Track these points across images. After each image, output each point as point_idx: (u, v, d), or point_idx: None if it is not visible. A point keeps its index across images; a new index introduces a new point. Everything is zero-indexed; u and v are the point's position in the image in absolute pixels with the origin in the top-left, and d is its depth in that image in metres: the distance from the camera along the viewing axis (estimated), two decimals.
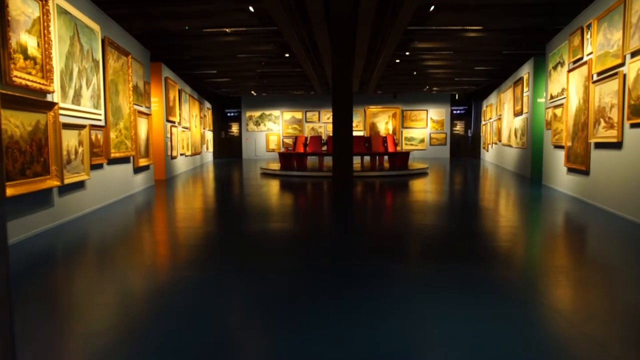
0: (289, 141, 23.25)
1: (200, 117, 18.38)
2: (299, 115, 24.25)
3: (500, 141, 16.05)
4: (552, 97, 9.37)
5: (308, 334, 2.39)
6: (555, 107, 8.99)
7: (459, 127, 24.49)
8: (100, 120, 7.00)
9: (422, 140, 24.04)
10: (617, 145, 6.08)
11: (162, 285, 3.30)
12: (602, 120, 6.49)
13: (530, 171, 11.48)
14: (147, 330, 2.48)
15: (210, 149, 21.66)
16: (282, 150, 21.46)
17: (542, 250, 4.44)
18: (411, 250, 4.52)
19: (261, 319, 2.66)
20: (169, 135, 12.70)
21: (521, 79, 12.54)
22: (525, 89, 12.12)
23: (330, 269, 3.66)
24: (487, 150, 19.36)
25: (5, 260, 1.04)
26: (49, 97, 5.29)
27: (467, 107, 24.10)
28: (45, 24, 5.08)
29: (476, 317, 2.59)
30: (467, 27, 11.51)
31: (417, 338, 2.35)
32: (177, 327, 2.49)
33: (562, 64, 8.69)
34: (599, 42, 6.65)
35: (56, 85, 5.41)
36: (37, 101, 4.93)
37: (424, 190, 9.62)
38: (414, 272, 3.60)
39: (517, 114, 13.10)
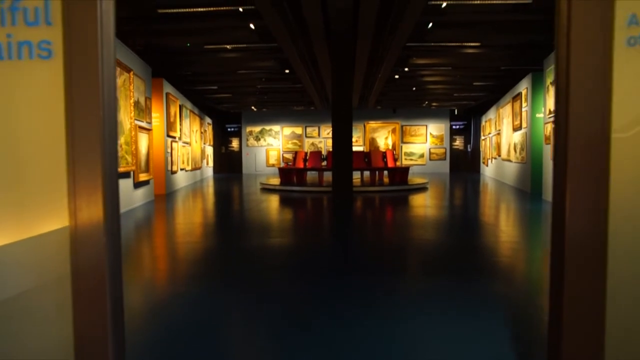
0: (289, 156, 23.34)
1: (201, 132, 18.50)
2: (298, 130, 24.38)
3: (499, 156, 16.09)
4: (550, 113, 9.42)
5: (307, 352, 2.39)
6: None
7: (459, 142, 24.56)
8: None
9: (422, 155, 24.09)
10: None
11: (160, 301, 3.31)
12: None
13: (530, 186, 11.49)
14: (143, 347, 2.48)
15: (211, 164, 21.75)
16: (282, 165, 21.53)
17: (543, 266, 4.43)
18: (412, 266, 4.52)
19: (259, 338, 2.65)
20: (169, 150, 12.78)
21: (520, 94, 12.62)
22: (523, 104, 12.20)
23: (330, 285, 3.66)
24: (487, 165, 19.40)
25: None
26: None
27: (467, 122, 24.21)
28: None
29: (474, 337, 2.59)
30: (465, 44, 11.63)
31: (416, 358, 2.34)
32: (169, 345, 2.49)
33: None
34: None
35: None
36: None
37: (424, 205, 9.63)
38: (415, 289, 3.59)
39: (516, 129, 13.15)
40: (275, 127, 24.42)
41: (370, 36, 9.91)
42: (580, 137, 1.33)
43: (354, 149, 12.30)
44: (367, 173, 15.69)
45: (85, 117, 1.30)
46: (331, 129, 11.00)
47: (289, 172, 14.72)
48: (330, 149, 11.89)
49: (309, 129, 24.15)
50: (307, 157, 14.97)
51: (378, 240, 5.91)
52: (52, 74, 1.35)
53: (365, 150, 20.85)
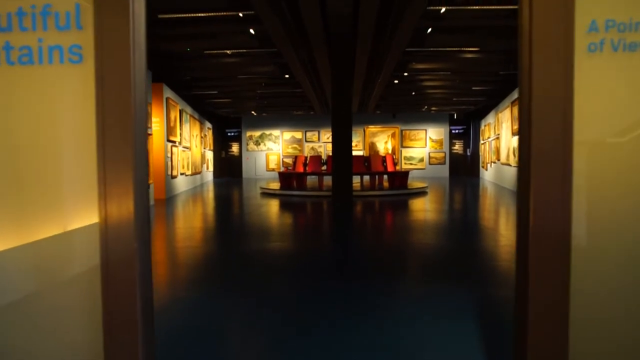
0: (289, 161, 23.36)
1: (201, 137, 18.53)
2: (298, 135, 24.42)
3: (499, 160, 16.15)
4: None
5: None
6: None
7: (458, 147, 24.63)
8: None
9: (422, 160, 24.15)
10: None
11: (160, 306, 3.33)
12: None
13: None
14: None
15: (211, 168, 21.76)
16: (282, 169, 21.55)
17: None
18: (411, 271, 4.55)
19: (259, 343, 2.67)
20: (169, 155, 12.80)
21: (518, 98, 12.68)
22: None
23: (329, 289, 3.69)
24: (486, 169, 19.46)
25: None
26: None
27: (466, 127, 24.28)
28: None
29: (472, 343, 2.62)
30: (464, 49, 11.71)
31: None
32: (170, 349, 2.52)
33: None
34: None
35: None
36: None
37: (424, 209, 9.67)
38: (415, 293, 3.62)
39: (515, 133, 13.23)
40: (275, 132, 24.45)
41: (370, 41, 9.98)
42: (543, 142, 1.36)
43: (354, 153, 12.35)
44: (367, 177, 15.73)
45: (117, 120, 1.33)
46: (331, 133, 11.05)
47: (289, 177, 14.75)
48: (330, 154, 11.94)
49: (308, 134, 24.19)
50: (307, 162, 15.01)
51: (378, 245, 5.94)
52: (83, 77, 1.38)
53: (365, 155, 20.88)
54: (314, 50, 10.69)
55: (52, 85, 1.41)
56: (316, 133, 23.97)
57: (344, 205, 10.20)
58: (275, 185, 14.89)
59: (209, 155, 21.36)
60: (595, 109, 1.39)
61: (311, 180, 16.31)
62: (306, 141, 24.23)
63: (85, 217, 1.41)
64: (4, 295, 1.44)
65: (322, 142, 23.92)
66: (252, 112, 23.07)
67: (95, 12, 1.34)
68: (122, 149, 1.34)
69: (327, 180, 14.45)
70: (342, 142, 10.71)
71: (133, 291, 1.34)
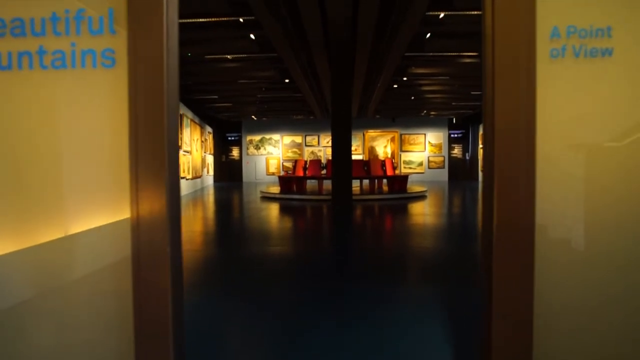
0: (289, 165, 23.39)
1: (201, 141, 18.56)
2: (298, 139, 24.46)
3: None
4: None
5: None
6: None
7: (457, 151, 24.70)
8: None
9: (421, 164, 24.21)
10: None
11: None
12: None
13: None
14: None
15: (211, 172, 21.78)
16: (282, 173, 21.58)
17: None
18: (410, 275, 4.57)
19: (258, 346, 2.68)
20: None
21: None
22: None
23: (329, 294, 3.70)
24: None
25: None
26: None
27: (465, 131, 24.37)
28: None
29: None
30: (463, 54, 11.80)
31: None
32: None
33: None
34: None
35: None
36: None
37: (423, 213, 9.71)
38: (414, 297, 3.64)
39: None
40: (275, 136, 24.50)
41: (369, 46, 10.05)
42: (507, 146, 1.38)
43: (354, 157, 12.40)
44: (366, 181, 15.79)
45: (150, 123, 1.35)
46: (331, 137, 11.10)
47: (289, 181, 14.79)
48: (330, 158, 11.99)
49: (308, 138, 24.23)
50: (307, 166, 15.05)
51: (377, 249, 5.96)
52: (115, 81, 1.40)
53: (364, 159, 20.94)
54: (313, 55, 10.75)
55: (85, 89, 1.44)
56: (316, 137, 24.01)
57: (344, 209, 10.24)
58: (275, 189, 14.93)
59: (210, 159, 21.38)
60: (557, 113, 1.41)
61: (311, 184, 16.35)
62: (306, 145, 24.27)
63: (118, 217, 1.44)
64: (40, 297, 1.48)
65: (321, 147, 23.97)
66: (253, 116, 23.11)
67: (128, 16, 1.37)
68: (155, 152, 1.36)
69: (327, 184, 14.49)
70: (341, 146, 10.76)
71: (165, 296, 1.37)
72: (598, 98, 1.43)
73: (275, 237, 6.91)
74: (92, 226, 1.46)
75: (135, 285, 1.38)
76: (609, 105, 1.43)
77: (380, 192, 14.00)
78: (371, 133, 24.07)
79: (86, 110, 1.47)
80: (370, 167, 14.86)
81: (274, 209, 10.66)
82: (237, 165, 25.08)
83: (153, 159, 1.37)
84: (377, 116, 23.24)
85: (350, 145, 10.85)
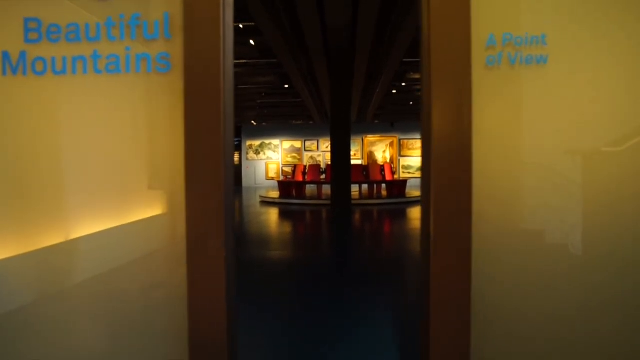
0: (288, 170, 23.36)
1: None
2: (298, 144, 24.45)
3: None
4: None
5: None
6: None
7: None
8: None
9: (419, 169, 24.23)
10: None
11: None
12: None
13: None
14: None
15: None
16: (282, 178, 21.55)
17: None
18: (409, 279, 4.57)
19: (259, 348, 2.69)
20: None
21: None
22: None
23: (328, 298, 3.71)
24: None
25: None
26: None
27: None
28: None
29: None
30: None
31: None
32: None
33: None
34: None
35: None
36: None
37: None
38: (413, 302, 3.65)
39: None
40: (275, 141, 24.47)
41: (368, 52, 10.10)
42: (444, 153, 1.39)
43: (353, 162, 12.43)
44: (365, 186, 15.82)
45: (206, 128, 1.34)
46: (330, 142, 11.12)
47: (289, 185, 14.78)
48: (329, 163, 12.02)
49: (307, 143, 24.23)
50: (306, 171, 15.06)
51: (377, 252, 5.96)
52: (170, 85, 1.40)
53: (363, 164, 20.97)
54: (313, 60, 10.79)
55: (139, 93, 1.44)
56: (315, 142, 24.01)
57: (343, 213, 10.25)
58: (275, 194, 14.91)
59: None
60: (494, 119, 1.43)
61: (310, 189, 16.36)
62: (305, 150, 24.26)
63: (175, 226, 1.44)
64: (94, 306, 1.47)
65: (321, 151, 23.97)
66: (252, 121, 23.09)
67: (185, 20, 1.36)
68: (212, 157, 1.36)
69: (326, 189, 14.49)
70: (340, 151, 10.78)
71: (220, 303, 1.36)
72: (534, 105, 1.45)
73: (275, 241, 6.91)
74: (149, 226, 1.47)
75: (190, 292, 1.38)
76: (544, 111, 1.45)
77: (380, 196, 14.03)
78: (370, 138, 24.11)
79: (140, 114, 1.47)
80: (369, 171, 14.89)
81: (273, 214, 10.66)
82: (237, 170, 24.98)
83: (209, 164, 1.36)
84: (376, 121, 23.30)
85: (349, 150, 10.88)
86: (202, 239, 1.37)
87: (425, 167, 1.47)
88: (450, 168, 1.39)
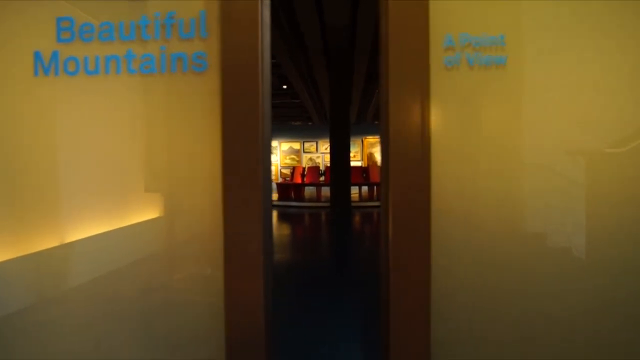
0: (287, 172, 23.33)
1: None
2: (296, 145, 24.41)
3: None
4: None
5: None
6: None
7: None
8: None
9: None
10: None
11: None
12: None
13: None
14: None
15: None
16: (280, 180, 21.53)
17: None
18: None
19: None
20: None
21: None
22: None
23: (328, 302, 3.71)
24: None
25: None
26: None
27: None
28: None
29: None
30: None
31: None
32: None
33: None
34: None
35: None
36: None
37: None
38: None
39: None
40: (273, 143, 24.40)
41: (368, 52, 10.10)
42: (401, 154, 1.38)
43: (352, 164, 12.42)
44: (365, 188, 15.82)
45: (244, 128, 1.31)
46: (329, 144, 11.10)
47: (287, 188, 14.75)
48: (329, 164, 12.01)
49: (306, 144, 24.20)
50: (305, 173, 15.04)
51: (377, 253, 5.95)
52: (206, 86, 1.38)
53: (363, 165, 21.00)
54: (312, 61, 10.78)
55: (175, 93, 1.41)
56: (314, 144, 23.98)
57: (343, 216, 10.23)
58: (274, 197, 14.88)
59: None
60: (453, 121, 1.43)
61: (309, 191, 16.35)
62: (304, 152, 24.23)
63: (212, 229, 1.42)
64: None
65: (320, 153, 23.94)
66: None
67: (222, 19, 1.33)
68: (250, 157, 1.32)
69: (325, 191, 14.48)
70: (340, 153, 10.76)
71: (258, 306, 1.34)
72: (493, 106, 1.44)
73: (274, 244, 6.87)
74: (186, 229, 1.44)
75: (227, 296, 1.35)
76: (503, 113, 1.44)
77: (380, 198, 14.00)
78: (370, 139, 24.10)
79: (176, 114, 1.43)
80: (369, 173, 14.89)
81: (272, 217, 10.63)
82: None
83: (248, 167, 1.33)
84: (376, 122, 23.31)
85: (349, 152, 10.85)
86: (240, 244, 1.34)
87: (383, 169, 1.46)
88: (408, 169, 1.38)
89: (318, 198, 14.03)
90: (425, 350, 1.37)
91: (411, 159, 1.37)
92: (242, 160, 1.34)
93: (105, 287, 1.47)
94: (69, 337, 1.47)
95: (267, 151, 1.40)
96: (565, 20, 1.42)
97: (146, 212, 1.46)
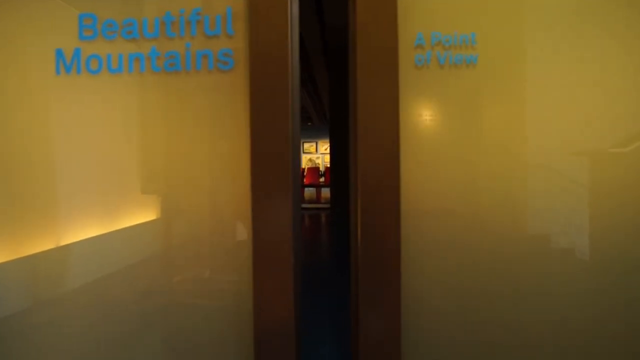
0: None
1: None
2: None
3: None
4: None
5: None
6: None
7: None
8: None
9: None
10: None
11: None
12: None
13: None
14: None
15: None
16: None
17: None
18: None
19: None
20: None
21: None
22: None
23: (328, 306, 3.68)
24: None
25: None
26: None
27: None
28: None
29: None
30: None
31: None
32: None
33: None
34: None
35: None
36: None
37: None
38: None
39: None
40: None
41: None
42: (370, 153, 1.36)
43: None
44: None
45: (273, 126, 1.28)
46: (329, 144, 11.06)
47: None
48: (328, 165, 11.95)
49: (306, 145, 24.12)
50: (305, 174, 15.00)
51: None
52: (233, 84, 1.34)
53: None
54: (312, 61, 10.73)
55: (200, 91, 1.37)
56: (314, 144, 23.91)
57: (343, 217, 10.19)
58: None
59: None
60: (423, 120, 1.41)
61: (309, 192, 16.29)
62: (304, 152, 24.19)
63: (240, 229, 1.38)
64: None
65: (319, 154, 23.89)
66: None
67: (249, 15, 1.29)
68: (279, 156, 1.29)
69: (325, 192, 14.43)
70: (340, 153, 10.70)
71: (289, 311, 1.31)
72: (464, 105, 1.42)
73: None
74: (213, 230, 1.40)
75: (256, 298, 1.32)
76: (474, 111, 1.43)
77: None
78: None
79: (202, 113, 1.40)
80: None
81: None
82: None
83: (277, 162, 1.30)
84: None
85: (349, 152, 10.82)
86: (269, 246, 1.30)
87: (352, 168, 1.44)
88: (377, 168, 1.35)
89: (318, 199, 13.98)
90: (396, 350, 1.35)
91: (380, 157, 1.35)
92: (271, 160, 1.30)
93: (133, 287, 1.44)
94: (107, 339, 1.43)
95: (297, 151, 1.37)
96: (536, 18, 1.42)
97: (171, 212, 1.43)
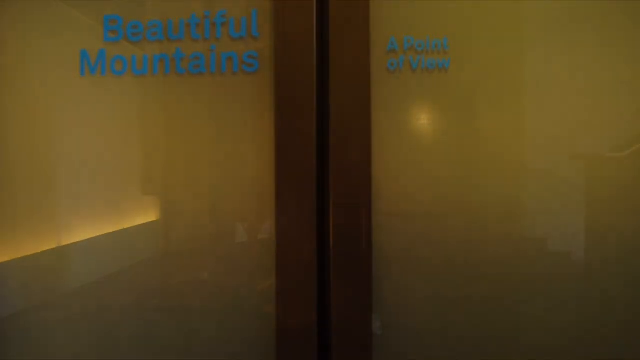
0: None
1: None
2: None
3: None
4: None
5: None
6: None
7: None
8: None
9: None
10: None
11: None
12: None
13: None
14: None
15: None
16: None
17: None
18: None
19: None
20: None
21: None
22: None
23: None
24: None
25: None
26: None
27: None
28: None
29: None
30: None
31: None
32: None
33: None
34: None
35: None
36: None
37: None
38: None
39: None
40: None
41: None
42: (341, 157, 1.35)
43: None
44: None
45: (299, 133, 1.29)
46: None
47: None
48: None
49: None
50: None
51: None
52: (258, 86, 1.35)
53: None
54: None
55: (224, 94, 1.37)
56: None
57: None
58: None
59: None
60: (396, 125, 1.40)
61: None
62: None
63: (264, 232, 1.38)
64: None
65: None
66: None
67: (275, 17, 1.30)
68: (305, 164, 1.30)
69: None
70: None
71: (313, 311, 1.31)
72: (436, 111, 1.42)
73: None
74: (235, 232, 1.40)
75: (279, 298, 1.32)
76: (446, 117, 1.42)
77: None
78: None
79: (225, 115, 1.40)
80: None
81: None
82: None
83: (302, 169, 1.30)
84: None
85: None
86: (293, 245, 1.30)
87: (325, 173, 1.41)
88: (348, 173, 1.34)
89: None
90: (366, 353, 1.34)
91: (352, 162, 1.33)
92: (297, 164, 1.30)
93: (150, 286, 1.43)
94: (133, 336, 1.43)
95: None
96: (508, 23, 1.41)
97: (193, 214, 1.43)
